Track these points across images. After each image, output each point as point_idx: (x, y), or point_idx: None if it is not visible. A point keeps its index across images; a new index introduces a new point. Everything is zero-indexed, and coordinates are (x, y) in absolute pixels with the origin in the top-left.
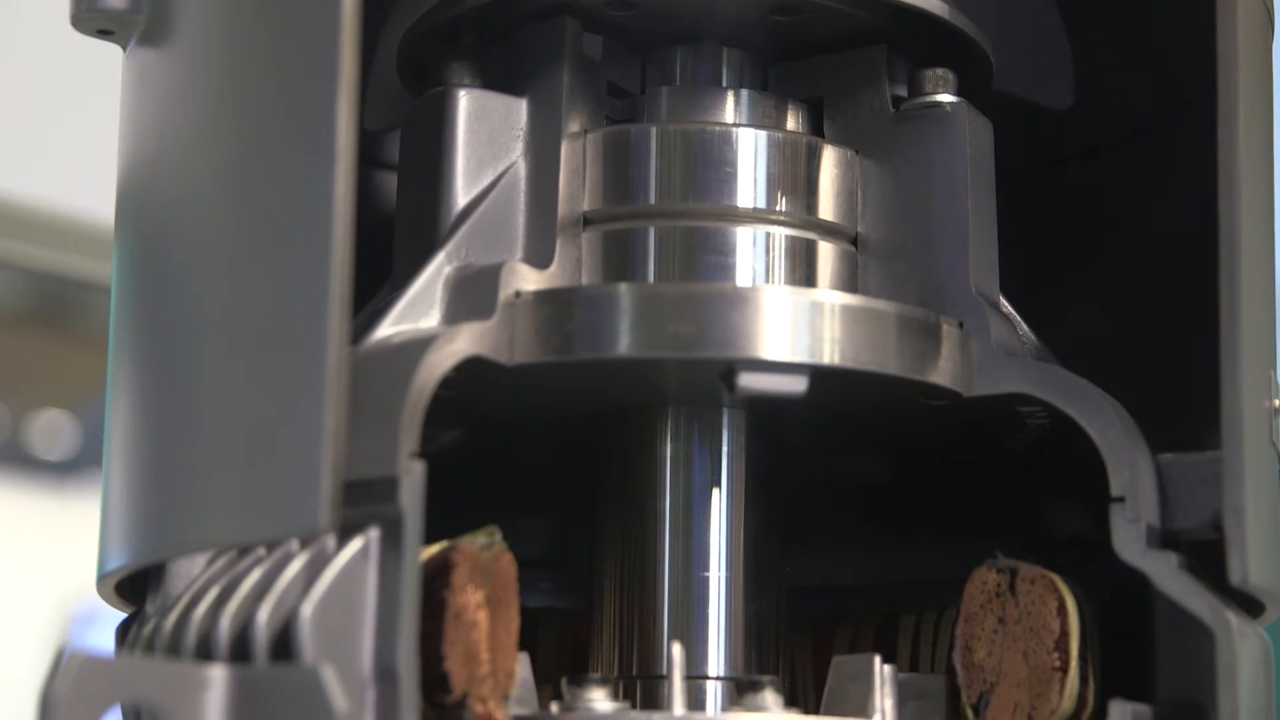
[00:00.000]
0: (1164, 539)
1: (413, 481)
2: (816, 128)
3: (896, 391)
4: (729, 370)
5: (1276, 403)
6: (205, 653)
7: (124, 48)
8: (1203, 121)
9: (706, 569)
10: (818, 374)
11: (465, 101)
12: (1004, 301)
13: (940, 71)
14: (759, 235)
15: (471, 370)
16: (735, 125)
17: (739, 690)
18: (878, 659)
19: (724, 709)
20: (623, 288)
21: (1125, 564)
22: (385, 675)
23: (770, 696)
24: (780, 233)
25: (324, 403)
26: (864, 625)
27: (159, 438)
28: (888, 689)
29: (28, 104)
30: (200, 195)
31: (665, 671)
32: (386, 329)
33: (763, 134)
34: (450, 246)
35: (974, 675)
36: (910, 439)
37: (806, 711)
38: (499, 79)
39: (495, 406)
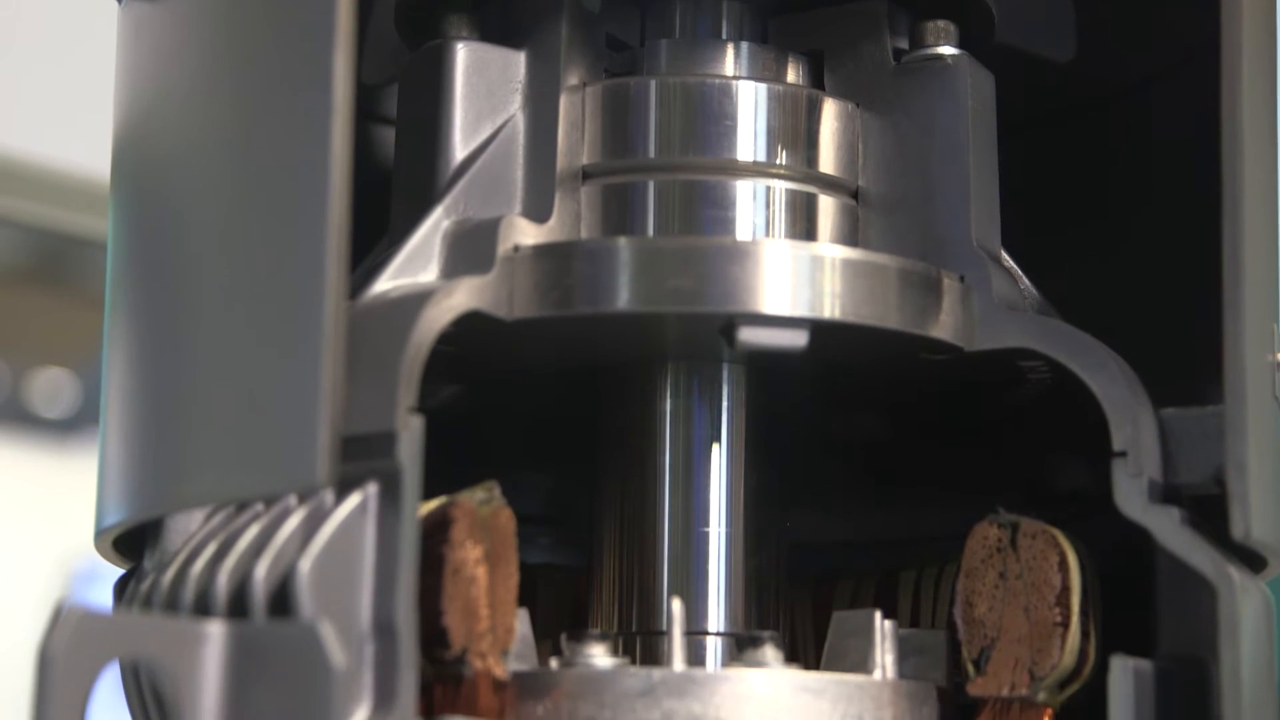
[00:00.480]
0: (1166, 494)
1: (411, 436)
2: (817, 80)
3: (897, 346)
4: (729, 325)
5: (1279, 356)
6: (203, 608)
7: (120, 1)
8: (1205, 74)
9: (706, 524)
10: (818, 328)
11: (463, 54)
12: (1005, 255)
13: (941, 24)
14: (759, 189)
15: (470, 325)
16: (735, 78)
17: (739, 645)
18: (878, 614)
19: (724, 664)
20: (622, 242)
21: (1127, 519)
22: (384, 631)
23: (770, 652)
24: (780, 186)
25: (321, 357)
26: (864, 581)
27: (156, 393)
28: (888, 644)
29: (25, 58)
30: (196, 150)
31: (665, 627)
32: (384, 283)
33: (763, 87)
34: (448, 200)
35: (975, 631)
36: (911, 394)
37: (807, 667)
38: (497, 32)
39: (494, 361)
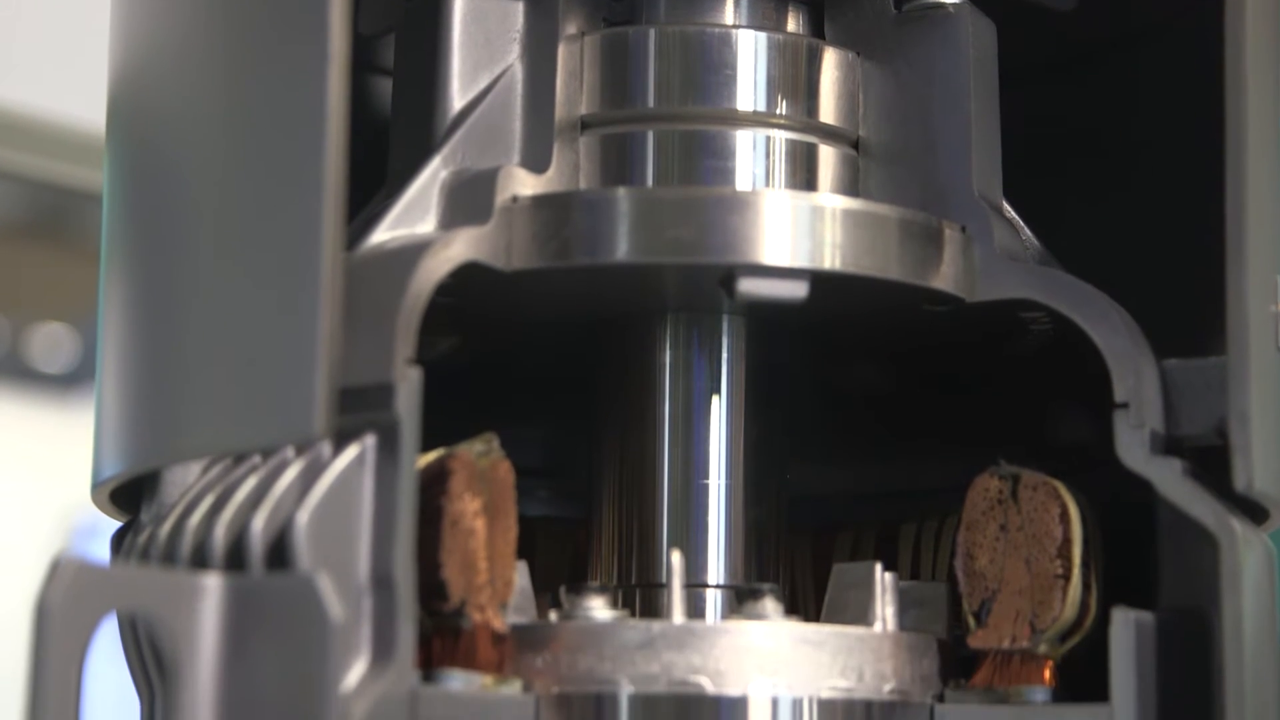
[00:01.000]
0: (1168, 445)
1: (409, 388)
2: (817, 29)
3: (898, 297)
4: (729, 275)
5: None
6: (200, 561)
7: None
8: (1209, 22)
9: (706, 477)
10: (818, 279)
11: (461, 4)
12: (1007, 205)
13: None
14: (759, 139)
15: (468, 276)
16: (735, 27)
17: (739, 598)
18: (879, 566)
19: (724, 617)
20: (621, 192)
21: (1129, 470)
22: (382, 583)
23: (770, 604)
24: (780, 136)
25: (318, 309)
26: (865, 533)
27: (153, 345)
28: (888, 597)
29: (23, 10)
30: (193, 101)
31: (664, 580)
32: (382, 234)
33: (763, 36)
34: (446, 151)
35: (975, 583)
36: (912, 345)
37: (807, 619)
38: None
39: (492, 313)
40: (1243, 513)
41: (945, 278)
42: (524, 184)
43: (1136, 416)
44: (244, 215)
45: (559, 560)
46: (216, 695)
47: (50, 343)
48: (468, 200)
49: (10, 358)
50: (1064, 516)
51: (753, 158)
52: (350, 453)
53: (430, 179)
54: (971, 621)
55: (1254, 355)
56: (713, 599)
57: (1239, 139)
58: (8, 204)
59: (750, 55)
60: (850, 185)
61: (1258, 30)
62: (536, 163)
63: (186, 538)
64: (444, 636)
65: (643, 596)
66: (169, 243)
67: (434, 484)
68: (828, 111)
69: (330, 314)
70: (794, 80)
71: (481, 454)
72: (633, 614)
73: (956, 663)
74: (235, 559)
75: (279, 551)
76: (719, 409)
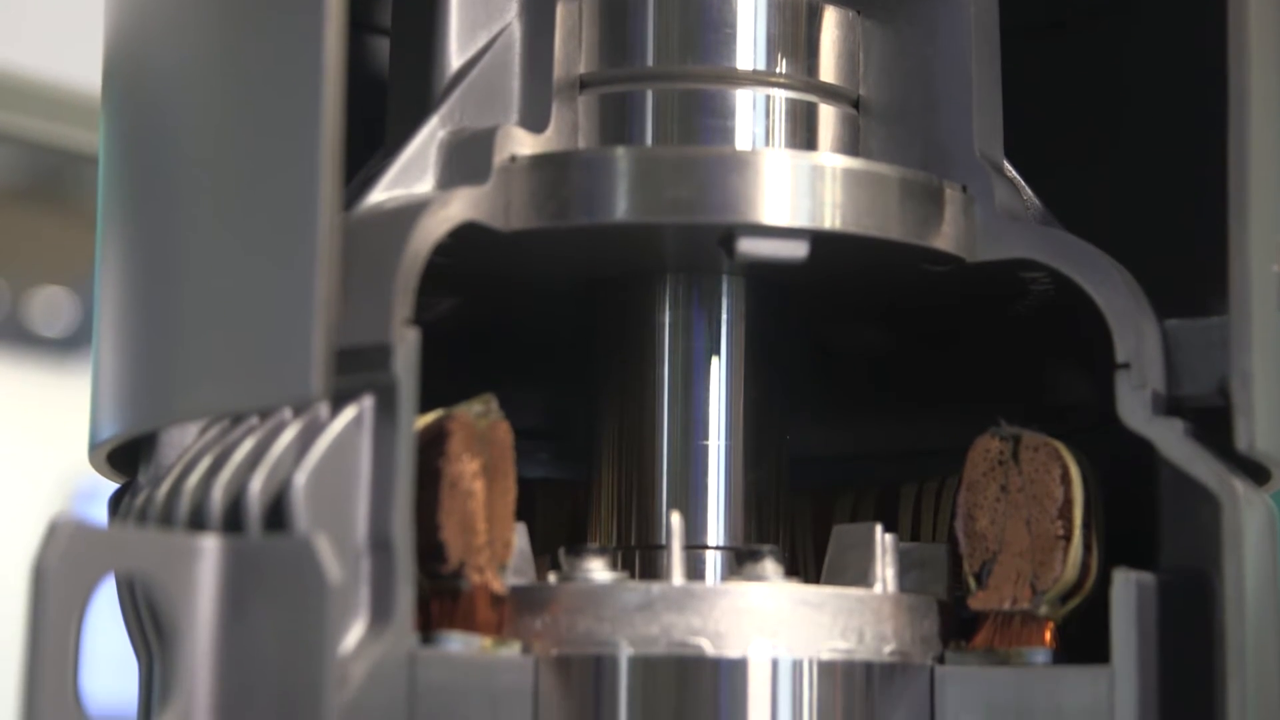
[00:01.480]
0: (1169, 405)
1: (407, 348)
2: None
3: (898, 257)
4: (728, 235)
5: None
6: (198, 523)
7: None
8: None
9: (705, 438)
10: (819, 239)
11: None
12: (1008, 165)
13: None
14: (759, 98)
15: (466, 236)
16: None
17: (738, 560)
18: (879, 528)
19: (723, 578)
20: (620, 151)
21: (1130, 431)
22: (380, 545)
23: (770, 566)
24: (780, 95)
25: (315, 269)
26: (865, 495)
27: (150, 306)
28: (889, 558)
29: None
30: (189, 61)
31: (664, 541)
32: (379, 194)
33: None
34: (444, 110)
35: (976, 544)
36: (912, 306)
37: (807, 581)
38: None
39: (491, 273)
40: (1244, 473)
41: (946, 237)
42: (522, 143)
43: (1138, 377)
44: (241, 175)
45: (558, 522)
46: (214, 657)
47: (50, 306)
48: (466, 160)
49: (10, 321)
50: (1065, 477)
51: (752, 117)
52: (348, 414)
53: (428, 139)
54: (972, 583)
55: (1256, 315)
56: (712, 560)
57: (1241, 98)
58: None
59: (750, 13)
60: (851, 145)
61: None
62: (535, 122)
63: (184, 499)
64: (443, 598)
65: (642, 558)
66: (166, 204)
67: (432, 445)
68: (828, 70)
69: (328, 275)
70: (794, 39)
71: (480, 415)
72: (632, 576)
73: (957, 624)
74: (233, 520)
75: (277, 513)
76: (718, 370)
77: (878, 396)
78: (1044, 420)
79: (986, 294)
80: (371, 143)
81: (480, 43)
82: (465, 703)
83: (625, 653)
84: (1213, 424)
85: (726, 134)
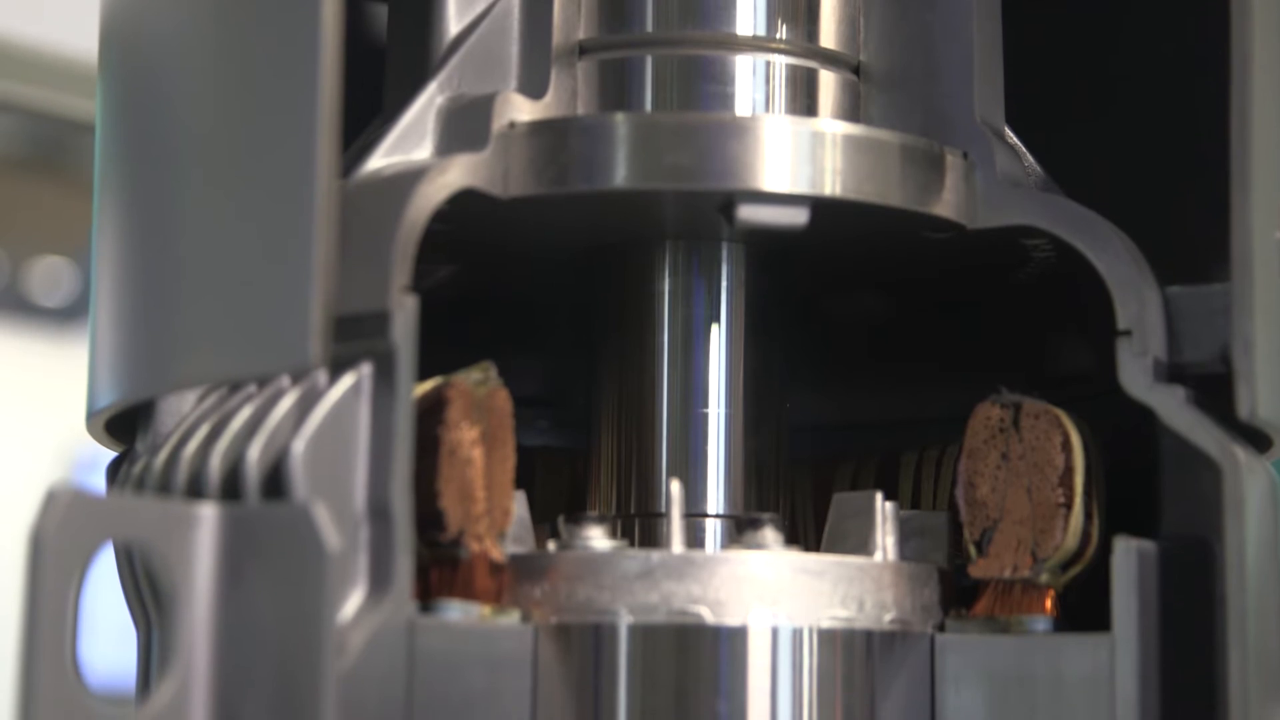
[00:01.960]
0: (1171, 373)
1: (405, 316)
2: None
3: (899, 224)
4: (728, 202)
5: None
6: (196, 491)
7: None
8: None
9: (705, 406)
10: (819, 206)
11: None
12: (1009, 131)
13: None
14: (759, 64)
15: (465, 203)
16: None
17: (738, 528)
18: (879, 495)
19: (723, 546)
20: (619, 118)
21: (1131, 398)
22: (379, 513)
23: (770, 534)
24: (781, 61)
25: (313, 236)
26: (865, 463)
27: (148, 273)
28: (889, 526)
29: None
30: (185, 28)
31: (664, 509)
32: (377, 161)
33: None
34: (442, 76)
35: (977, 512)
36: (913, 273)
37: (807, 549)
38: None
39: (490, 241)
40: (1246, 441)
41: (947, 204)
42: (521, 110)
43: (1139, 344)
44: (238, 142)
45: (557, 490)
46: (213, 625)
47: (50, 276)
48: (464, 126)
49: (9, 291)
50: (1066, 445)
51: (752, 83)
52: (346, 381)
53: (426, 105)
54: (972, 551)
55: (1258, 281)
56: (712, 528)
57: (1244, 64)
58: (8, 136)
59: None
60: (851, 111)
61: None
62: (534, 88)
63: (182, 467)
64: (442, 567)
65: (642, 526)
66: (163, 171)
67: (431, 413)
68: (828, 36)
69: (325, 242)
70: (794, 4)
71: (479, 383)
72: (632, 544)
73: (957, 592)
74: (231, 488)
75: (275, 481)
76: (718, 337)
77: (878, 364)
78: (1045, 388)
79: (987, 261)
80: (369, 109)
81: (479, 8)
82: (464, 671)
83: (625, 621)
84: (1214, 391)
85: (726, 100)
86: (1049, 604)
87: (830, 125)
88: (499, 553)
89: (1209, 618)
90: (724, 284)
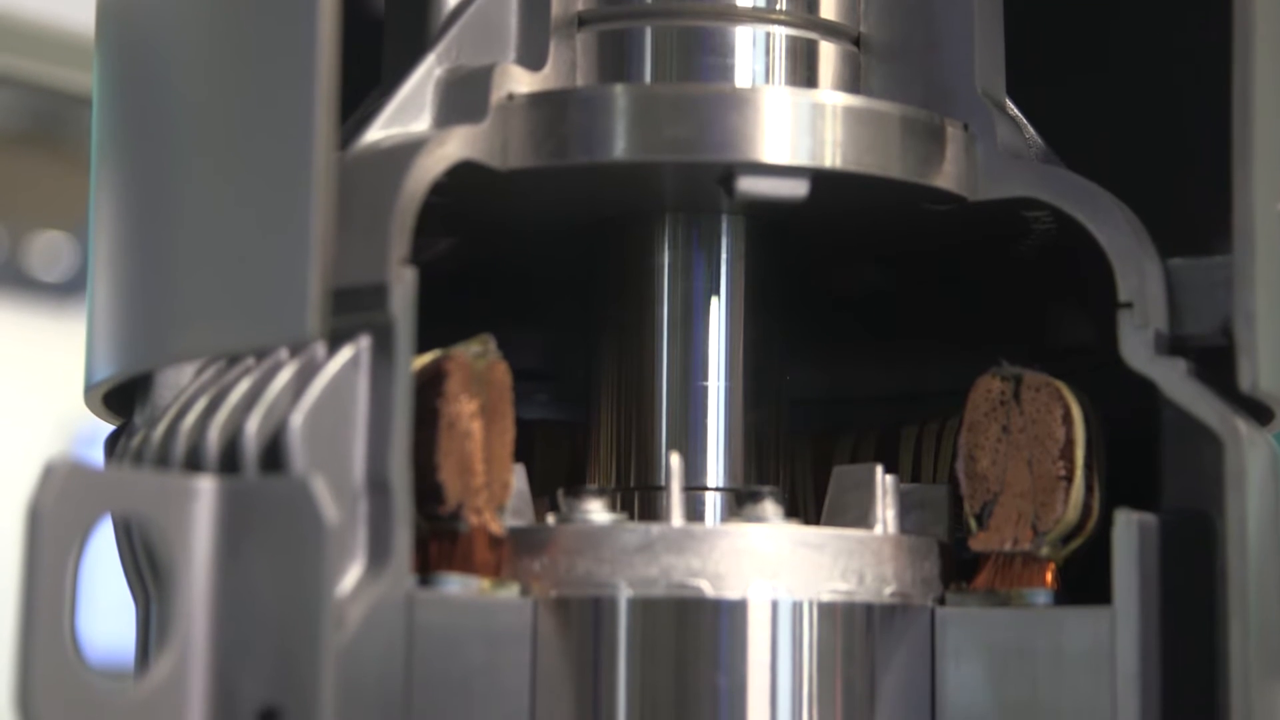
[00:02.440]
0: (1172, 345)
1: (404, 288)
2: None
3: (899, 196)
4: (728, 174)
5: None
6: (194, 464)
7: None
8: None
9: (705, 379)
10: (819, 177)
11: None
12: (1010, 103)
13: None
14: (759, 35)
15: (463, 175)
16: None
17: (738, 501)
18: (880, 469)
19: (723, 520)
20: (618, 89)
21: (1132, 371)
22: (377, 486)
23: (770, 507)
24: (780, 32)
25: (311, 208)
26: (865, 436)
27: (145, 246)
28: (889, 499)
29: None
30: (182, 1)
31: (663, 482)
32: (375, 133)
33: None
34: (440, 48)
35: (977, 485)
36: (914, 246)
37: (807, 522)
38: None
39: (488, 213)
40: (1247, 413)
41: (947, 176)
42: (520, 81)
43: (1140, 316)
44: (236, 115)
45: (557, 463)
46: (211, 598)
47: (49, 251)
48: (463, 98)
49: (9, 266)
50: (1067, 418)
51: (752, 54)
52: (345, 354)
53: (424, 77)
54: (973, 524)
55: (1260, 254)
56: (712, 502)
57: (1246, 34)
58: (7, 111)
59: None
60: (851, 82)
61: None
62: (533, 60)
63: (180, 440)
64: (441, 540)
65: (641, 499)
66: (160, 144)
67: (430, 385)
68: (829, 7)
69: (323, 214)
70: None
71: (478, 355)
72: (631, 517)
73: (957, 565)
74: (229, 461)
75: (273, 454)
76: (718, 310)
77: (878, 337)
78: (1046, 360)
79: (988, 233)
80: (367, 80)
81: None
82: (463, 644)
83: (624, 594)
84: (1215, 364)
85: (726, 71)
86: (1049, 577)
87: (830, 97)
88: (498, 526)
89: (1209, 591)
90: (724, 257)
